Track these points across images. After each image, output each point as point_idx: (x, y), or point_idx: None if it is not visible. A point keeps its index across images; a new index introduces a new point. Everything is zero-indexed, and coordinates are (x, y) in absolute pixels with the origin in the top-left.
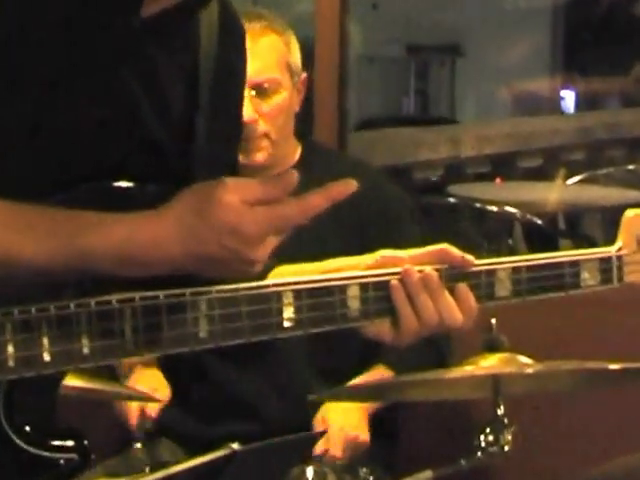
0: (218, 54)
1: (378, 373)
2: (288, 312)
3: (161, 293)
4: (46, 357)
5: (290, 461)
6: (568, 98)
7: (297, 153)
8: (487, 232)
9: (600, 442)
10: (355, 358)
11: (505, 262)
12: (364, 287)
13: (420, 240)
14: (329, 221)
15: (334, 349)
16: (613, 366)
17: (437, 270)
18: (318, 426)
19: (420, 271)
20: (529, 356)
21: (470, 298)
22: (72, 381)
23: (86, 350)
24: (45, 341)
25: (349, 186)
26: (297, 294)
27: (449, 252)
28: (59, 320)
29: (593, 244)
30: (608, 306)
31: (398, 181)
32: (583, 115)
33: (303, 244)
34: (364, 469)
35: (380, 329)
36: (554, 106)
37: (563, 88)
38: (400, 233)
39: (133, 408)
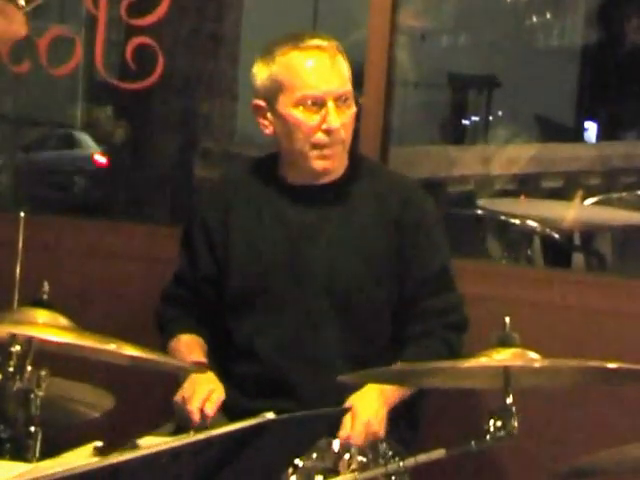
0: None
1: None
2: None
3: None
4: None
5: (319, 432)
6: (591, 129)
7: (345, 163)
8: (508, 243)
9: (598, 434)
10: (384, 350)
11: None
12: None
13: (444, 236)
14: (373, 221)
15: (367, 342)
16: (611, 365)
17: None
18: (346, 415)
19: None
20: (537, 353)
21: None
22: (129, 350)
23: None
24: None
25: None
26: None
27: None
28: None
29: (603, 260)
30: (609, 315)
31: (433, 193)
32: (602, 145)
33: (351, 238)
34: (384, 444)
35: None
36: (577, 136)
37: (586, 119)
38: (429, 239)
39: (194, 408)
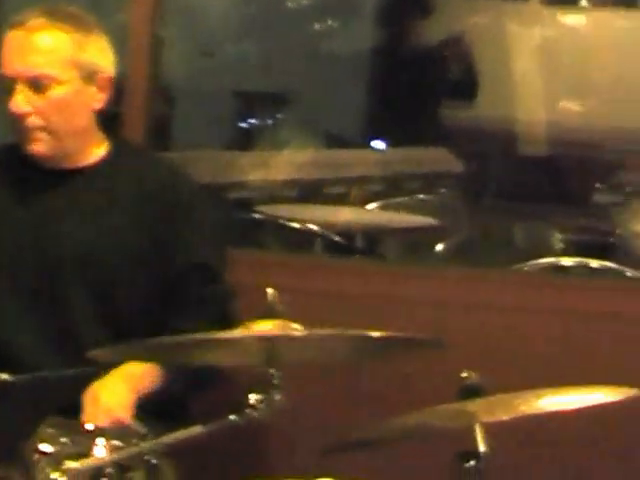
0: None
1: None
2: None
3: None
4: None
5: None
6: (377, 135)
7: (103, 149)
8: (290, 246)
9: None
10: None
11: None
12: None
13: (211, 224)
14: (130, 204)
15: (125, 326)
16: (375, 334)
17: None
18: (87, 401)
19: None
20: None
21: None
22: None
23: None
24: None
25: None
26: None
27: None
28: None
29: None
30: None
31: (215, 199)
32: (385, 151)
33: (103, 221)
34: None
35: None
36: (364, 142)
37: (373, 127)
38: (190, 223)
39: None
